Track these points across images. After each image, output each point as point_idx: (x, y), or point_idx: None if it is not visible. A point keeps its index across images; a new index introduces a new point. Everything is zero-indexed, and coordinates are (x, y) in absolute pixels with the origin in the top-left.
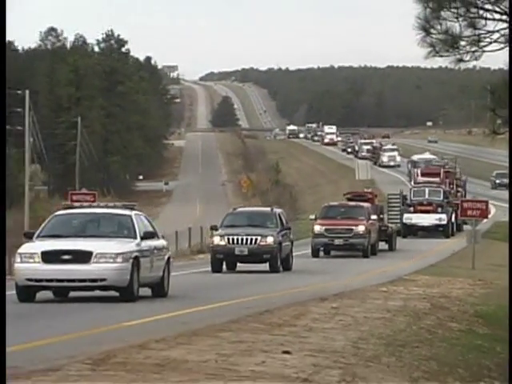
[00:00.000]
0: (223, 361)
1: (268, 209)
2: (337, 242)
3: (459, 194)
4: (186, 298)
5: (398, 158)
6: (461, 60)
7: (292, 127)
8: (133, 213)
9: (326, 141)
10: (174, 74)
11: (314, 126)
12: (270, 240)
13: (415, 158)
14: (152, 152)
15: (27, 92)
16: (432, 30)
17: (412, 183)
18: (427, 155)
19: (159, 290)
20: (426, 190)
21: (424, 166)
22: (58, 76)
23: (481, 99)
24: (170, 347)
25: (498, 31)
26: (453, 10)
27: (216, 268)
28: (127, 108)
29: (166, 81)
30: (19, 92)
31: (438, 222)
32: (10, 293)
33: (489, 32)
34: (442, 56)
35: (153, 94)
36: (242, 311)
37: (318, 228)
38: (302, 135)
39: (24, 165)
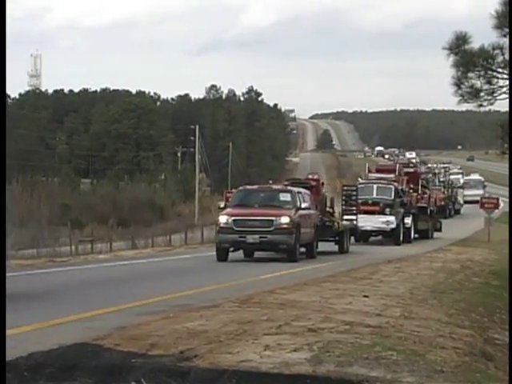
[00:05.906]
0: (324, 301)
1: None
2: (250, 239)
3: (426, 196)
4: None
5: (462, 180)
6: (481, 105)
7: (379, 148)
8: None
9: None
10: (292, 115)
11: (397, 151)
12: None
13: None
14: (278, 165)
15: (197, 127)
16: (462, 86)
17: (360, 179)
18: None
19: None
20: (374, 186)
21: (379, 165)
22: (217, 116)
23: (494, 131)
24: (290, 292)
25: (505, 86)
26: (476, 72)
27: None
28: (262, 137)
29: (286, 119)
30: (192, 127)
31: (384, 226)
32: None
33: (499, 87)
34: (468, 102)
35: (278, 128)
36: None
37: (224, 219)
38: (386, 156)
39: (195, 173)
